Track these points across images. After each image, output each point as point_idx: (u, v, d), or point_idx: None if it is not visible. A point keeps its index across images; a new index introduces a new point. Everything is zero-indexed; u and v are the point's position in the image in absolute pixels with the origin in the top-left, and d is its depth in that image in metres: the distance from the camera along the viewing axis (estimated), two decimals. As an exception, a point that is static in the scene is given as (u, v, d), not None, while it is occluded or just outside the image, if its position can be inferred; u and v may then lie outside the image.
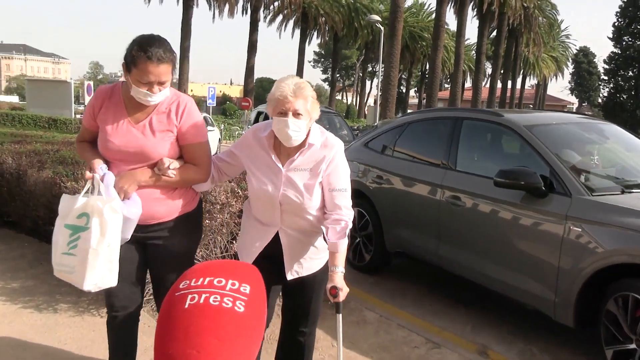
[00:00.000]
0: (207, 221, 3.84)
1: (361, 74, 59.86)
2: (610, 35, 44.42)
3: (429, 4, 64.82)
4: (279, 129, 2.36)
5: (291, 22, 43.02)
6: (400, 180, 5.13)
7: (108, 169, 2.44)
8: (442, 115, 5.33)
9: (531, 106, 63.32)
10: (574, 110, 61.67)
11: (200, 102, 46.50)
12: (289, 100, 2.32)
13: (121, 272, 2.38)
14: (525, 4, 40.71)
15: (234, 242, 3.97)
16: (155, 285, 2.72)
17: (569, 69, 70.23)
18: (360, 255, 5.53)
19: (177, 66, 2.50)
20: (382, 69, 24.53)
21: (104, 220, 2.25)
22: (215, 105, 31.18)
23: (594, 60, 69.81)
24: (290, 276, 2.56)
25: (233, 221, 4.01)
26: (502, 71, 45.20)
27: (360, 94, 59.44)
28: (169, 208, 2.53)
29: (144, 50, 2.26)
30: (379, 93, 24.71)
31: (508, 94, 49.43)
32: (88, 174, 2.40)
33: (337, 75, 58.94)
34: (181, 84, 33.76)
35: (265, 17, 41.15)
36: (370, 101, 59.37)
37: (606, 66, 45.95)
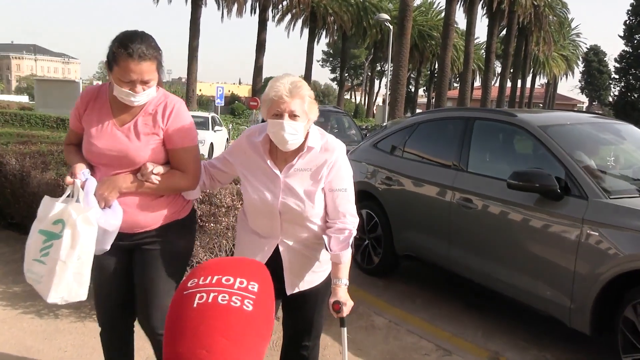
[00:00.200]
0: (212, 224, 3.76)
1: (369, 73, 59.79)
2: (622, 34, 44.12)
3: (438, 3, 64.82)
4: (274, 132, 2.19)
5: (300, 22, 43.11)
6: (410, 182, 5.02)
7: (92, 174, 2.30)
8: (454, 115, 5.23)
9: (541, 105, 63.06)
10: (584, 110, 61.31)
11: (209, 102, 46.73)
12: (284, 100, 2.14)
13: (104, 286, 2.30)
14: (535, 2, 40.52)
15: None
16: (137, 294, 2.47)
17: (579, 68, 70.01)
18: (369, 258, 5.43)
19: (164, 64, 2.31)
20: (391, 68, 24.43)
21: (76, 232, 2.12)
22: (223, 104, 31.25)
23: (605, 59, 69.47)
24: (290, 291, 2.39)
25: (238, 224, 3.92)
26: (511, 70, 44.91)
27: (369, 94, 59.42)
28: (154, 216, 2.36)
29: (124, 47, 2.13)
30: (388, 92, 24.60)
31: (518, 93, 49.15)
32: (69, 179, 2.26)
33: (346, 74, 58.90)
34: (190, 84, 33.84)
35: (273, 17, 41.30)
36: (379, 100, 59.31)
37: (617, 65, 45.71)
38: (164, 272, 2.40)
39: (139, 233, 2.37)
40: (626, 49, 44.30)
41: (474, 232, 4.34)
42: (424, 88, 66.83)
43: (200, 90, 53.73)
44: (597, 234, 3.44)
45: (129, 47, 2.13)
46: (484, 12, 38.36)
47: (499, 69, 46.29)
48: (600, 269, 3.38)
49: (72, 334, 3.67)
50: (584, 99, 74.19)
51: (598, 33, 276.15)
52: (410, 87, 58.14)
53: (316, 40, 44.08)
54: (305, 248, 2.37)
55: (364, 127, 20.73)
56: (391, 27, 24.57)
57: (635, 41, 43.56)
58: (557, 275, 3.66)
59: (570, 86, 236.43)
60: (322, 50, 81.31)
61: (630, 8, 43.59)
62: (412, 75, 56.89)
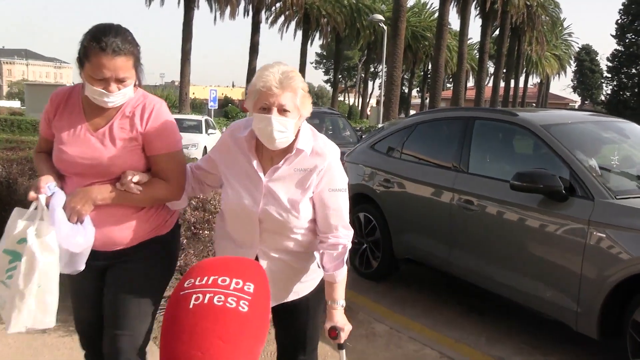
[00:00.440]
0: (206, 232, 3.64)
1: (363, 75, 59.85)
2: (614, 33, 44.35)
3: (432, 4, 64.88)
4: (260, 128, 1.92)
5: (293, 24, 42.96)
6: (409, 184, 4.91)
7: (63, 185, 2.06)
8: (453, 115, 5.14)
9: (534, 105, 63.27)
10: (576, 108, 61.57)
11: (202, 105, 46.65)
12: (273, 92, 1.87)
13: (80, 310, 2.16)
14: (528, 2, 40.64)
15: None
16: (105, 314, 2.17)
17: (571, 67, 70.40)
18: (367, 262, 5.32)
19: (142, 61, 2.06)
20: (385, 69, 24.40)
21: (34, 259, 1.85)
22: (217, 107, 31.17)
23: (596, 58, 69.92)
24: (274, 303, 2.07)
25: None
26: (504, 70, 45.06)
27: (363, 95, 59.42)
28: (132, 232, 2.10)
29: (96, 41, 1.89)
30: (382, 93, 24.57)
31: (511, 92, 49.28)
32: (32, 194, 1.97)
33: (339, 76, 58.73)
34: (183, 87, 33.68)
35: (267, 19, 41.18)
36: (373, 102, 59.35)
37: (609, 63, 45.94)
38: (137, 295, 2.13)
39: (115, 251, 2.12)
40: (618, 48, 44.56)
41: (476, 235, 4.24)
42: (418, 89, 66.93)
43: (193, 93, 53.60)
44: (604, 235, 3.34)
45: (102, 40, 1.90)
46: (477, 12, 38.54)
47: (492, 69, 46.44)
48: (608, 271, 3.30)
49: (59, 349, 3.52)
50: (576, 98, 74.65)
51: (590, 33, 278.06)
52: (404, 88, 58.16)
53: (310, 42, 44.04)
54: (288, 256, 2.09)
55: (358, 128, 20.68)
56: (385, 28, 24.54)
57: (627, 40, 43.84)
58: (563, 278, 3.57)
59: (562, 85, 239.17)
60: (316, 52, 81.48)
61: (622, 7, 43.84)
62: (405, 76, 56.85)
